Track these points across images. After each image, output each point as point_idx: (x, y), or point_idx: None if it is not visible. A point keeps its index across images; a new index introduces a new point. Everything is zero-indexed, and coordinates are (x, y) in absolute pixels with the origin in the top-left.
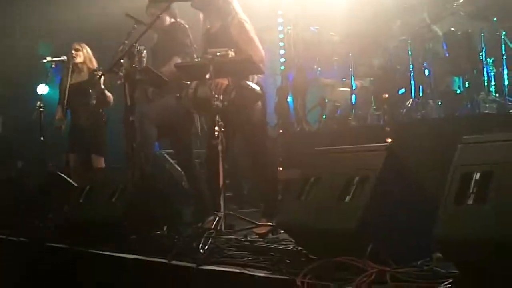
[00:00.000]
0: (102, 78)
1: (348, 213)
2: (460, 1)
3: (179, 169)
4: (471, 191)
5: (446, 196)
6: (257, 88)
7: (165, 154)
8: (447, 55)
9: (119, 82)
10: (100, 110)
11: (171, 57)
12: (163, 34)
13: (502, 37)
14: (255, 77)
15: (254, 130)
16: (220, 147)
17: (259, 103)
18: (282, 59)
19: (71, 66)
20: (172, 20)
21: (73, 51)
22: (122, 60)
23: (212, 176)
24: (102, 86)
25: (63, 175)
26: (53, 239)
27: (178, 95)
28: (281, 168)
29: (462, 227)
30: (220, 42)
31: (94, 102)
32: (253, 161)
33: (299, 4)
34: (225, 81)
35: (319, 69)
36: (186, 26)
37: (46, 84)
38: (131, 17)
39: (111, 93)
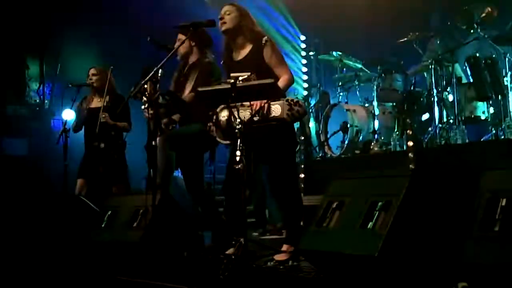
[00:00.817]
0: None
1: (370, 239)
2: (484, 26)
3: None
4: (497, 217)
5: (471, 222)
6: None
7: None
8: (471, 80)
9: (143, 107)
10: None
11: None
12: (188, 67)
13: None
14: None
15: (287, 150)
16: (242, 172)
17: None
18: (305, 84)
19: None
20: (199, 54)
21: (90, 75)
22: (146, 86)
23: (232, 202)
24: (109, 122)
25: (85, 199)
26: (75, 264)
27: (210, 124)
28: (303, 194)
29: (488, 254)
30: (246, 66)
31: (113, 133)
32: (278, 186)
33: (321, 29)
34: (263, 101)
35: (341, 93)
36: (212, 61)
37: (71, 108)
38: (154, 42)
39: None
